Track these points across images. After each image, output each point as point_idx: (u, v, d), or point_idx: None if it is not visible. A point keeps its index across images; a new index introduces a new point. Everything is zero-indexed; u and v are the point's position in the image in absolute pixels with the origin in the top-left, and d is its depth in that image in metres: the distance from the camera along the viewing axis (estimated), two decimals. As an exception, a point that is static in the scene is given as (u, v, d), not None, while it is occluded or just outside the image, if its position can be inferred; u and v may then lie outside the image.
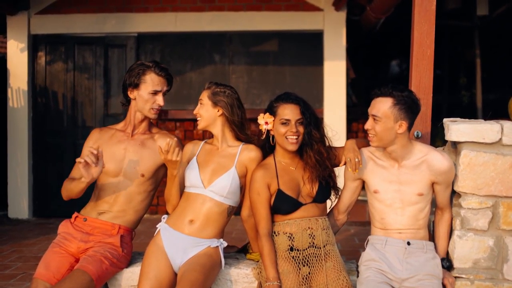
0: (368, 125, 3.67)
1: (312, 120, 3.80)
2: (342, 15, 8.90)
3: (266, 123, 3.84)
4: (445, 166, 3.67)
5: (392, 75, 14.30)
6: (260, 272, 3.83)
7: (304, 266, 3.71)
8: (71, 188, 3.99)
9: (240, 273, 3.99)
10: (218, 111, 3.99)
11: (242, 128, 4.04)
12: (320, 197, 3.85)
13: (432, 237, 3.92)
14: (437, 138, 7.92)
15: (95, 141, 4.21)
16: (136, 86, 4.12)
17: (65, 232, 4.10)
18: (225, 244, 3.99)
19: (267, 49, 9.26)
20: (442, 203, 3.82)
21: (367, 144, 3.89)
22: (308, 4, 8.95)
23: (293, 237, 3.76)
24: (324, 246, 3.77)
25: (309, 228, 3.77)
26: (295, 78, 9.14)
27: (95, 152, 3.84)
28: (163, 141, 4.18)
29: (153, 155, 4.16)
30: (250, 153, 3.95)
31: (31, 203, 9.16)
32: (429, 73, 4.25)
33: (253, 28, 9.07)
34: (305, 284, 3.67)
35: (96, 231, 4.05)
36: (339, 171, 3.99)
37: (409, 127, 3.64)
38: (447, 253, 3.87)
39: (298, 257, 3.73)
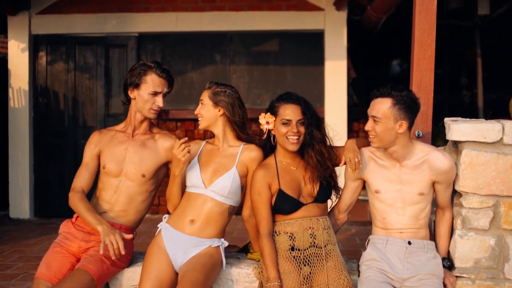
0: (369, 126, 3.66)
1: (313, 120, 3.79)
2: (343, 15, 8.90)
3: (267, 122, 3.84)
4: (446, 165, 3.67)
5: (393, 75, 14.31)
6: (261, 271, 3.82)
7: (305, 266, 3.71)
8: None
9: (241, 272, 3.99)
10: (219, 111, 3.98)
11: (243, 127, 4.03)
12: (321, 197, 3.84)
13: (433, 236, 3.92)
14: (438, 138, 7.92)
15: (96, 144, 4.21)
16: (136, 86, 4.11)
17: (66, 231, 4.10)
18: (226, 243, 3.99)
19: (268, 49, 9.26)
20: (443, 202, 3.82)
21: (368, 144, 3.89)
22: (309, 4, 8.95)
23: (294, 237, 3.76)
24: (325, 246, 3.77)
25: (310, 227, 3.77)
26: (296, 78, 9.14)
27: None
28: (164, 141, 4.19)
29: (154, 155, 4.16)
30: (251, 153, 3.95)
31: (32, 203, 9.16)
32: (430, 72, 4.25)
33: (254, 28, 9.07)
34: (306, 284, 3.67)
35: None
36: (340, 171, 3.99)
37: (410, 127, 3.64)
38: (448, 252, 3.86)
39: (299, 257, 3.73)
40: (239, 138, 4.04)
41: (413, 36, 4.28)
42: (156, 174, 4.19)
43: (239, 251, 4.37)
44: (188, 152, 3.83)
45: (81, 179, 4.12)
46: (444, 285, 3.72)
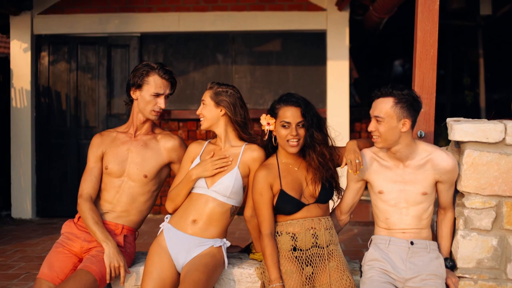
0: (372, 127, 3.66)
1: (314, 122, 3.77)
2: (345, 15, 8.89)
3: (268, 124, 3.84)
4: (450, 165, 3.67)
5: (395, 75, 14.32)
6: (263, 272, 3.82)
7: (307, 266, 3.71)
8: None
9: (243, 273, 3.99)
10: (220, 111, 3.98)
11: (245, 127, 4.03)
12: (323, 198, 3.84)
13: (435, 237, 3.92)
14: (440, 138, 7.93)
15: (98, 146, 4.20)
16: (139, 86, 4.11)
17: (69, 232, 4.10)
18: (228, 244, 3.99)
19: (270, 49, 9.26)
20: (445, 202, 3.82)
21: (369, 145, 3.89)
22: (311, 4, 8.95)
23: (296, 237, 3.75)
24: (327, 246, 3.77)
25: (312, 228, 3.77)
26: (298, 78, 9.14)
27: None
28: (166, 142, 4.19)
29: (156, 156, 4.16)
30: (253, 153, 3.94)
31: (34, 203, 9.17)
32: (433, 72, 4.24)
33: (256, 28, 9.07)
34: (308, 284, 3.67)
35: (99, 231, 4.05)
36: (342, 172, 3.98)
37: (412, 125, 3.64)
38: (451, 253, 3.86)
39: (301, 257, 3.73)
40: (241, 138, 4.04)
41: (416, 36, 4.28)
42: (158, 174, 4.19)
43: (241, 251, 4.37)
44: (222, 168, 3.89)
45: (88, 185, 4.12)
46: (447, 285, 3.72)
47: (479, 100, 11.14)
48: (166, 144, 4.19)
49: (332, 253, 3.77)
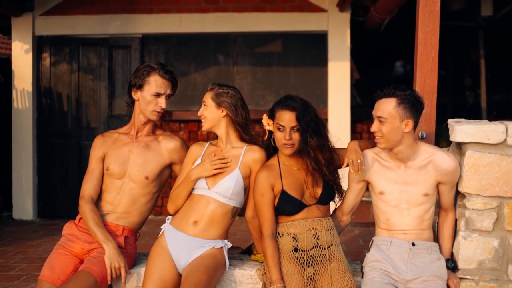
0: (374, 127, 3.66)
1: (310, 127, 3.73)
2: (346, 16, 8.89)
3: (268, 124, 3.84)
4: (451, 166, 3.67)
5: (396, 76, 14.32)
6: (265, 273, 3.82)
7: (308, 266, 3.71)
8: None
9: (244, 274, 3.99)
10: (222, 112, 3.98)
11: (246, 128, 4.03)
12: (324, 199, 3.84)
13: (436, 238, 3.92)
14: (441, 139, 7.92)
15: (99, 147, 4.20)
16: (140, 87, 4.11)
17: (70, 233, 4.11)
18: (230, 245, 3.99)
19: (272, 50, 9.26)
20: (447, 204, 3.82)
21: (371, 145, 3.89)
22: (312, 5, 8.95)
23: (298, 238, 3.75)
24: (329, 247, 3.77)
25: (313, 228, 3.77)
26: (299, 79, 9.13)
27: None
28: (167, 143, 4.19)
29: (157, 157, 4.16)
30: (254, 154, 3.94)
31: (35, 204, 9.18)
32: (434, 73, 4.24)
33: (257, 29, 9.07)
34: (309, 285, 3.67)
35: (100, 232, 4.05)
36: (344, 173, 3.98)
37: (415, 126, 3.64)
38: (452, 254, 3.86)
39: (303, 257, 3.73)
40: (242, 139, 4.04)
41: (417, 37, 4.28)
42: (159, 175, 4.19)
43: (243, 252, 4.37)
44: (221, 169, 3.89)
45: (89, 186, 4.13)
46: (448, 286, 3.71)
47: (480, 101, 11.15)
48: (168, 145, 4.19)
49: (334, 254, 3.77)
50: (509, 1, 9.81)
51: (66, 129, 9.27)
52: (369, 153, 3.85)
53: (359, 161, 3.72)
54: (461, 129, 3.77)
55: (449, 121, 3.95)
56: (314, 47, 9.09)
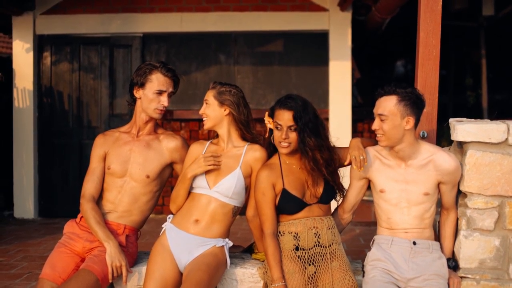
0: (376, 125, 3.66)
1: (307, 127, 3.73)
2: (347, 16, 8.89)
3: (269, 122, 3.85)
4: (452, 166, 3.67)
5: (397, 76, 14.31)
6: (266, 272, 3.82)
7: (309, 265, 3.71)
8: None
9: (245, 272, 3.99)
10: (224, 110, 3.98)
11: (248, 127, 4.03)
12: (325, 198, 3.84)
13: (437, 237, 3.92)
14: (442, 139, 7.91)
15: (101, 146, 4.21)
16: (142, 85, 4.11)
17: (71, 232, 4.11)
18: (231, 243, 3.99)
19: (273, 50, 9.26)
20: (448, 203, 3.82)
21: (372, 144, 3.89)
22: (313, 5, 8.94)
23: (299, 237, 3.75)
24: (330, 246, 3.77)
25: (314, 227, 3.77)
26: (300, 78, 9.13)
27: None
28: (169, 142, 4.19)
29: (158, 156, 4.16)
30: (255, 153, 3.94)
31: (36, 203, 9.18)
32: (435, 73, 4.24)
33: (259, 29, 9.07)
34: (311, 284, 3.67)
35: (102, 230, 4.05)
36: (345, 172, 3.98)
37: (416, 123, 3.64)
38: (453, 253, 3.86)
39: (304, 256, 3.73)
40: (244, 137, 4.04)
41: (418, 36, 4.28)
42: (160, 174, 4.19)
43: (244, 251, 4.37)
44: (214, 165, 3.88)
45: (90, 185, 4.13)
46: (449, 285, 3.71)
47: (481, 101, 11.14)
48: (169, 144, 4.19)
49: (335, 252, 3.77)
50: (510, 1, 9.80)
51: (67, 128, 9.27)
52: (371, 150, 3.85)
53: (361, 157, 3.72)
54: (462, 128, 3.76)
55: (451, 120, 3.95)
56: (315, 46, 9.09)
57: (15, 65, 9.17)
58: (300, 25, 9.01)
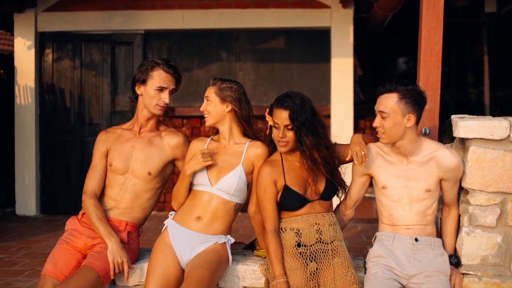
0: (377, 122, 3.65)
1: (304, 126, 3.70)
2: (349, 12, 8.88)
3: (270, 119, 3.84)
4: (454, 163, 3.66)
5: (399, 72, 14.31)
6: (268, 268, 3.82)
7: (311, 262, 3.71)
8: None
9: (247, 269, 3.99)
10: (226, 107, 3.97)
11: (250, 122, 4.02)
12: (327, 195, 3.83)
13: (439, 234, 3.92)
14: (444, 136, 7.92)
15: (103, 143, 4.20)
16: (143, 81, 4.11)
17: (72, 228, 4.11)
18: (233, 240, 3.98)
19: (274, 47, 9.26)
20: (450, 199, 3.81)
21: (374, 140, 3.89)
22: (315, 2, 8.94)
23: (300, 233, 3.75)
24: (332, 242, 3.76)
25: (316, 223, 3.76)
26: (302, 75, 9.13)
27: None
28: (170, 139, 4.18)
29: (160, 153, 4.15)
30: (257, 149, 3.94)
31: (38, 200, 9.19)
32: (437, 69, 4.24)
33: (260, 26, 9.07)
34: (312, 280, 3.67)
35: (103, 227, 4.05)
36: (346, 169, 3.98)
37: (417, 121, 3.63)
38: (455, 249, 3.86)
39: (306, 253, 3.73)
40: (245, 134, 4.03)
41: (420, 33, 4.27)
42: (162, 171, 4.18)
43: (246, 248, 4.37)
44: (210, 161, 3.86)
45: (92, 182, 4.13)
46: (451, 282, 3.71)
47: (483, 98, 11.13)
48: (171, 141, 4.19)
49: (337, 249, 3.76)
50: (513, -2, 9.80)
51: (68, 125, 9.28)
52: (373, 147, 3.84)
53: (363, 153, 3.72)
54: (464, 125, 3.76)
55: (453, 117, 3.94)
56: (317, 43, 9.08)
57: (17, 62, 9.17)
58: (302, 22, 9.01)
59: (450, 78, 12.28)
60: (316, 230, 3.75)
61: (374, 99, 3.72)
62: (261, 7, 9.03)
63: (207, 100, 4.00)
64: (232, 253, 3.97)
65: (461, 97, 12.22)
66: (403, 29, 11.08)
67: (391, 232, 3.77)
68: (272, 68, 9.21)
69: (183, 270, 3.83)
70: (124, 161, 4.13)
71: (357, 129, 9.48)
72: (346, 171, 3.96)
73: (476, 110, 10.75)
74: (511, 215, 3.77)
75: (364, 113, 9.51)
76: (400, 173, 3.72)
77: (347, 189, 3.96)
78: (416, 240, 3.69)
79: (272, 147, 3.95)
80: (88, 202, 4.04)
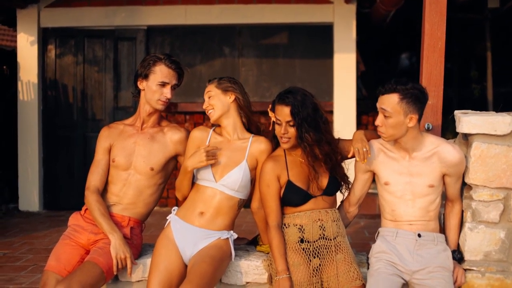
0: (378, 121, 3.64)
1: (305, 122, 3.70)
2: (352, 8, 8.87)
3: (272, 115, 3.84)
4: (456, 158, 3.66)
5: (402, 68, 14.28)
6: (271, 264, 3.82)
7: (314, 257, 3.71)
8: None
9: (250, 265, 3.99)
10: (229, 97, 3.95)
11: (252, 114, 4.03)
12: (330, 190, 3.83)
13: (442, 229, 3.92)
14: (447, 131, 7.90)
15: (106, 139, 4.20)
16: (145, 76, 4.11)
17: (75, 224, 4.11)
18: (236, 236, 3.98)
19: (277, 42, 9.25)
20: (453, 195, 3.81)
21: (376, 136, 3.88)
22: (318, -3, 8.94)
23: (304, 229, 3.75)
24: (335, 238, 3.76)
25: (319, 219, 3.76)
26: (305, 71, 9.12)
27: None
28: (173, 134, 4.18)
29: (162, 149, 4.15)
30: (261, 145, 3.93)
31: (41, 196, 9.21)
32: (440, 65, 4.22)
33: (263, 21, 9.07)
34: (315, 276, 3.67)
35: (106, 223, 4.06)
36: (349, 165, 3.97)
37: (419, 119, 3.62)
38: (458, 245, 3.85)
39: (309, 248, 3.73)
40: (249, 128, 4.03)
41: (423, 29, 4.26)
42: (165, 167, 4.18)
43: (248, 243, 4.37)
44: (213, 161, 3.84)
45: (95, 177, 4.13)
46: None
47: (486, 94, 11.11)
48: (173, 137, 4.18)
49: (340, 245, 3.76)
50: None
51: (71, 121, 9.29)
52: (375, 143, 3.84)
53: (364, 149, 3.72)
54: (467, 121, 3.75)
55: (456, 112, 3.93)
56: (320, 39, 9.08)
57: (20, 58, 9.18)
58: (305, 17, 9.00)
59: (453, 74, 12.26)
60: (319, 226, 3.75)
61: (377, 95, 3.71)
62: (264, 2, 9.03)
63: (209, 96, 3.99)
64: (235, 249, 3.97)
65: (464, 93, 12.19)
66: (406, 24, 11.06)
67: (394, 227, 3.77)
68: (275, 63, 9.21)
69: (186, 266, 3.83)
70: (127, 157, 4.13)
71: (360, 124, 9.48)
72: (349, 167, 3.96)
73: (479, 106, 10.70)
74: (514, 211, 3.77)
75: (367, 108, 9.50)
76: (403, 169, 3.72)
77: (350, 185, 3.96)
78: (419, 235, 3.69)
79: (275, 143, 3.95)
80: (91, 198, 4.04)
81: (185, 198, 4.03)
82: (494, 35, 11.13)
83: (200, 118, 9.13)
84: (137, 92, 4.23)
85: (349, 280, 3.64)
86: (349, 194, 3.99)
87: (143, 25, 9.19)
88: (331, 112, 8.78)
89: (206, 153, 3.80)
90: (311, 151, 3.73)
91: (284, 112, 3.71)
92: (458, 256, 3.78)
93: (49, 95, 9.29)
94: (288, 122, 3.71)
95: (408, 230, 3.72)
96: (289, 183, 3.76)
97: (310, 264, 3.69)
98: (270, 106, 3.86)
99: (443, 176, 3.72)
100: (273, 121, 3.85)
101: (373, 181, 3.95)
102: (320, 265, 3.70)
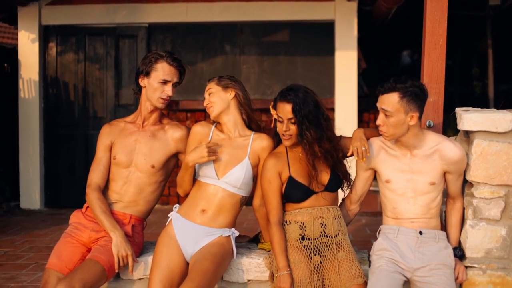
0: (380, 121, 3.64)
1: (306, 119, 3.70)
2: (353, 5, 8.87)
3: (274, 113, 3.84)
4: (457, 155, 3.65)
5: (403, 65, 14.27)
6: (272, 261, 3.82)
7: (315, 255, 3.71)
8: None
9: (252, 262, 3.99)
10: (230, 94, 3.96)
11: (252, 111, 4.03)
12: (332, 187, 3.83)
13: (443, 227, 3.91)
14: (448, 129, 7.90)
15: (107, 136, 4.20)
16: (147, 74, 4.11)
17: (77, 222, 4.11)
18: (237, 233, 3.98)
19: (278, 40, 9.25)
20: (454, 192, 3.81)
21: (377, 134, 3.87)
22: (319, -6, 8.93)
23: (305, 226, 3.75)
24: (336, 236, 3.76)
25: (320, 217, 3.76)
26: (306, 68, 9.12)
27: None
28: (174, 132, 4.18)
29: (163, 146, 4.15)
30: (262, 142, 3.93)
31: (42, 194, 9.21)
32: (442, 62, 4.22)
33: (264, 18, 9.06)
34: (316, 273, 3.67)
35: (107, 220, 4.05)
36: (351, 162, 3.97)
37: (420, 116, 3.62)
38: (459, 242, 3.85)
39: (310, 246, 3.73)
40: (249, 125, 4.03)
41: (425, 25, 4.26)
42: (165, 165, 4.18)
43: (250, 241, 4.37)
44: (214, 157, 3.84)
45: (96, 175, 4.13)
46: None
47: (487, 91, 11.11)
48: (174, 135, 4.18)
49: (341, 243, 3.76)
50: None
51: (73, 118, 9.29)
52: (376, 141, 3.84)
53: (363, 148, 3.71)
54: (469, 118, 3.75)
55: (457, 109, 3.93)
56: (321, 36, 9.07)
57: (21, 56, 9.18)
58: (306, 15, 9.00)
59: (455, 72, 12.26)
60: (320, 223, 3.75)
61: (376, 95, 3.70)
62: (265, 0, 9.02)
63: (209, 93, 3.99)
64: (236, 246, 3.97)
65: (465, 90, 12.20)
66: (408, 22, 11.05)
67: (395, 225, 3.77)
68: (276, 61, 9.20)
69: (187, 263, 3.83)
70: (128, 154, 4.13)
71: (361, 122, 9.47)
72: (351, 165, 3.95)
73: (481, 103, 10.73)
74: (515, 208, 3.77)
75: (368, 106, 9.49)
76: (404, 167, 3.71)
77: (351, 182, 3.96)
78: (421, 233, 3.69)
79: (277, 141, 3.95)
80: (92, 195, 4.04)
81: (186, 194, 4.03)
82: (495, 32, 11.13)
83: (202, 116, 9.12)
84: (138, 89, 4.23)
85: (351, 277, 3.64)
86: (350, 192, 3.99)
87: (144, 23, 9.19)
88: (333, 109, 8.78)
89: (207, 148, 3.80)
90: (311, 148, 3.73)
91: (286, 110, 3.71)
92: (459, 253, 3.78)
93: (50, 93, 9.29)
94: (289, 119, 3.71)
95: (410, 227, 3.72)
96: (291, 179, 3.76)
97: (311, 262, 3.69)
98: (271, 103, 3.86)
99: (444, 173, 3.72)
100: (275, 119, 3.85)
101: (375, 178, 3.95)
102: (321, 262, 3.70)
